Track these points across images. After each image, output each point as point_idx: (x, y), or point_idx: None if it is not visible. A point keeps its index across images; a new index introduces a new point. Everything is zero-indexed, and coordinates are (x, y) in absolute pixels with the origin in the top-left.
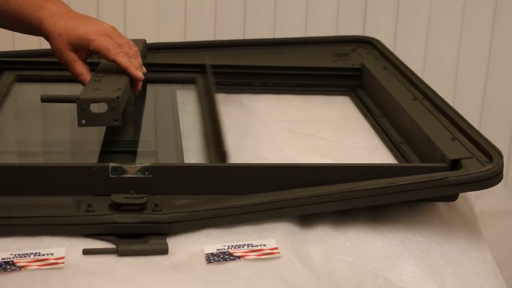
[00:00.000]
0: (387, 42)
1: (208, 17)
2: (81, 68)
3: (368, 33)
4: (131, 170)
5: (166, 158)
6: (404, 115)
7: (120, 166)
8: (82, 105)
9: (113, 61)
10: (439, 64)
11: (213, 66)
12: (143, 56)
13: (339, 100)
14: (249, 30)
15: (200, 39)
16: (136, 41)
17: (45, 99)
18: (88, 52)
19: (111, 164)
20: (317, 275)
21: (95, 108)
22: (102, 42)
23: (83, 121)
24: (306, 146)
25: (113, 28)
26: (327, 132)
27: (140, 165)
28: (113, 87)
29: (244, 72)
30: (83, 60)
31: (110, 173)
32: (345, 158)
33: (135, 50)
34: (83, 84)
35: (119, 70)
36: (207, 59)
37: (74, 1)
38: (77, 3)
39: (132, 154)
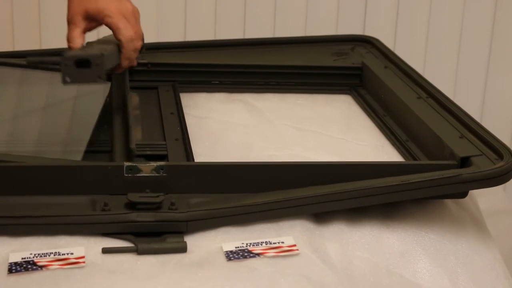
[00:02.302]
0: (387, 41)
1: (208, 17)
2: (77, 35)
3: (368, 33)
4: (146, 169)
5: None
6: (409, 114)
7: (135, 165)
8: (66, 61)
9: (119, 41)
10: (439, 64)
11: (214, 66)
12: (140, 57)
13: (341, 99)
14: (249, 29)
15: (200, 39)
16: None
17: (30, 62)
18: (99, 25)
19: (126, 163)
20: (336, 272)
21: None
22: (115, 20)
23: (67, 79)
24: (313, 144)
25: (134, 12)
26: (332, 130)
27: (155, 164)
28: (100, 48)
29: (246, 71)
30: (87, 30)
31: (125, 172)
32: (352, 155)
33: (140, 44)
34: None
35: (110, 43)
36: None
37: None
38: None
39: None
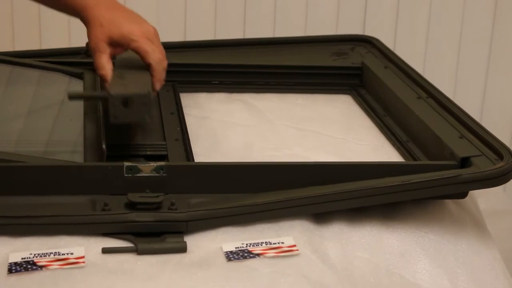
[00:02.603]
0: (387, 41)
1: (208, 17)
2: (106, 62)
3: (368, 33)
4: (146, 169)
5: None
6: (409, 114)
7: (135, 165)
8: (114, 101)
9: (149, 64)
10: (439, 64)
11: (214, 66)
12: None
13: (341, 99)
14: (249, 29)
15: (200, 39)
16: None
17: (72, 96)
18: (125, 50)
19: (126, 163)
20: (336, 272)
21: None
22: (142, 44)
23: (115, 118)
24: (313, 144)
25: (155, 32)
26: (332, 130)
27: (155, 164)
28: (141, 82)
29: (246, 71)
30: (113, 55)
31: (125, 172)
32: (352, 155)
33: (167, 63)
34: (103, 77)
35: (137, 66)
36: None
37: None
38: None
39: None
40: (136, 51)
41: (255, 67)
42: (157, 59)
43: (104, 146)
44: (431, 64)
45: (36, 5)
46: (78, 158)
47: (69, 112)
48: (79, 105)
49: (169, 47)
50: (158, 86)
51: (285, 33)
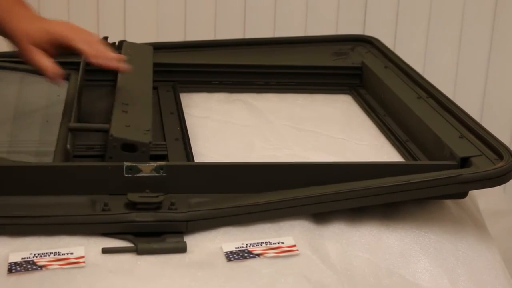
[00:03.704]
0: (387, 41)
1: (208, 17)
2: (46, 61)
3: (368, 33)
4: (146, 169)
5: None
6: (409, 114)
7: (135, 165)
8: (114, 143)
9: (77, 49)
10: (439, 63)
11: (214, 66)
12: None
13: (341, 99)
14: (249, 29)
15: (200, 39)
16: (145, 48)
17: (72, 128)
18: (54, 49)
19: (126, 163)
20: (336, 272)
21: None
22: (62, 30)
23: (111, 157)
24: (313, 144)
25: (77, 26)
26: (332, 130)
27: (154, 164)
28: (143, 124)
29: (246, 71)
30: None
31: (125, 172)
32: (352, 155)
33: (95, 36)
34: (49, 77)
35: (141, 93)
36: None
37: (74, 1)
38: (77, 3)
39: None
40: (59, 38)
41: (255, 67)
42: (84, 40)
43: (68, 146)
44: (431, 64)
45: (36, 6)
46: (48, 159)
47: (50, 113)
48: (60, 106)
49: (169, 47)
50: (99, 61)
51: (285, 33)
